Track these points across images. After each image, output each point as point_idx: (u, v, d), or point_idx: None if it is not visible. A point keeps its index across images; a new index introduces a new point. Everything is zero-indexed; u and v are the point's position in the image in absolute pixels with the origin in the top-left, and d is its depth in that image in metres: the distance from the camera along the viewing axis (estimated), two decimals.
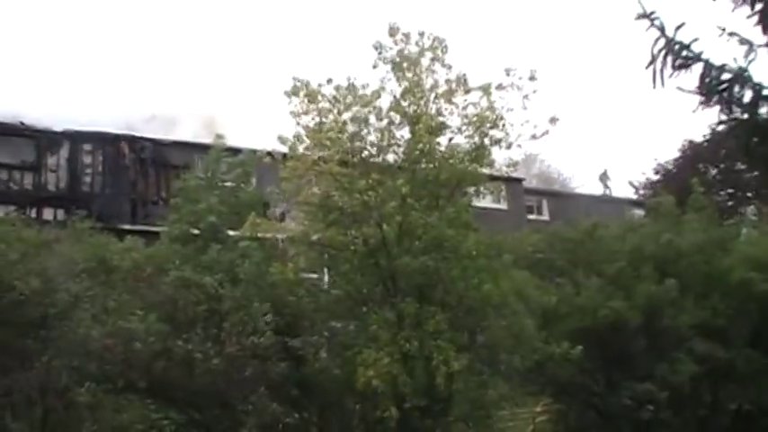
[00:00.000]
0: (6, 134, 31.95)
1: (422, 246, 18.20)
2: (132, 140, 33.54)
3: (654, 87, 6.26)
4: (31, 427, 15.88)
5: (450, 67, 18.81)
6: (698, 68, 6.30)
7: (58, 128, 32.67)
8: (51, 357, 15.79)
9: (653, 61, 6.30)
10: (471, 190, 20.16)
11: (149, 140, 33.91)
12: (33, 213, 29.61)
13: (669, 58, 6.25)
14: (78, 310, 16.70)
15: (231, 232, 20.88)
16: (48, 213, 30.38)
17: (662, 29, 6.35)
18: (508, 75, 18.50)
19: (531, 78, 18.43)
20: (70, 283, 16.79)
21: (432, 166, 18.79)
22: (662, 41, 6.32)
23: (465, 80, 18.76)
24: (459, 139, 19.10)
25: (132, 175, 33.23)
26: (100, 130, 33.24)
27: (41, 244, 17.39)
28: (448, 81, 18.76)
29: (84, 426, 16.05)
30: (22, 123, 32.09)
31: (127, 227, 28.40)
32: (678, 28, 6.36)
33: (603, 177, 51.93)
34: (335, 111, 18.55)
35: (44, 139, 32.42)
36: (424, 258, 17.90)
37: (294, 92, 18.44)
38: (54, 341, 16.18)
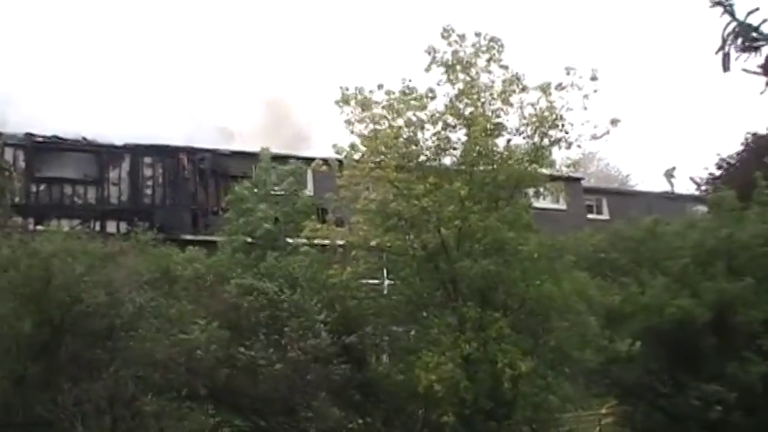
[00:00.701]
0: (70, 150, 32.61)
1: (482, 249, 18.07)
2: (191, 152, 33.97)
3: (724, 71, 6.29)
4: None
5: (506, 68, 18.69)
6: (766, 50, 6.33)
7: (118, 142, 33.24)
8: (118, 367, 16.06)
9: (723, 46, 6.33)
10: (530, 191, 19.99)
11: (208, 151, 34.31)
12: (97, 226, 30.17)
13: (738, 41, 6.27)
14: (143, 320, 16.94)
15: (289, 240, 21.04)
16: (111, 226, 30.89)
17: (732, 13, 6.40)
18: (568, 74, 18.32)
19: (593, 78, 18.23)
20: (135, 295, 17.05)
21: (490, 167, 18.66)
22: (732, 25, 6.37)
23: (522, 80, 18.62)
24: (518, 140, 18.98)
25: (192, 187, 33.65)
26: (159, 142, 33.74)
27: (106, 256, 17.66)
28: (504, 81, 18.64)
29: None
30: (85, 139, 32.71)
31: (188, 237, 28.76)
32: (750, 13, 6.40)
33: (668, 174, 50.98)
34: (389, 116, 18.55)
35: (106, 154, 33.01)
36: (485, 261, 17.77)
37: (345, 100, 18.48)
38: (120, 352, 16.44)
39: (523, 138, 18.86)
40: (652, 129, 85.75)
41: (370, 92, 18.43)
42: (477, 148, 18.33)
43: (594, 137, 18.56)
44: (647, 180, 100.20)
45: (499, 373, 17.09)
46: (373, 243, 19.16)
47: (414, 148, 18.64)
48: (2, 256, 16.73)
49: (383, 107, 18.40)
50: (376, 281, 20.99)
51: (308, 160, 23.21)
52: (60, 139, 32.04)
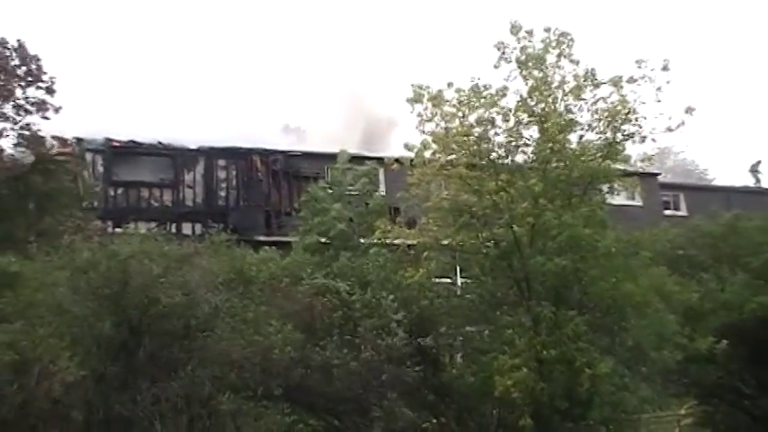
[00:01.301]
0: (146, 154, 33.27)
1: (556, 246, 17.84)
2: (264, 154, 34.35)
3: None
4: None
5: (577, 63, 18.45)
6: None
7: (193, 145, 33.78)
8: (195, 367, 16.26)
9: None
10: (605, 187, 19.68)
11: (281, 153, 34.65)
12: (173, 228, 30.70)
13: None
14: (219, 321, 17.14)
15: (362, 239, 21.10)
16: (186, 228, 31.42)
17: None
18: (639, 66, 18.00)
19: (664, 69, 17.87)
20: (210, 296, 17.24)
21: (563, 164, 18.42)
22: None
23: (594, 75, 18.36)
24: (590, 136, 18.70)
25: (265, 188, 34.01)
26: (233, 145, 34.19)
27: (182, 258, 17.91)
28: (576, 77, 18.40)
29: None
30: (160, 143, 33.34)
31: (262, 238, 29.08)
32: None
33: (754, 169, 49.67)
34: (460, 114, 18.46)
35: (181, 157, 33.59)
36: (559, 259, 17.54)
37: (416, 99, 18.46)
38: (197, 352, 16.65)
39: (596, 133, 18.60)
40: (731, 121, 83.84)
41: (441, 90, 18.38)
42: (550, 145, 18.12)
43: (669, 129, 18.19)
44: (726, 174, 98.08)
45: (578, 372, 16.86)
46: (445, 242, 19.07)
47: (485, 145, 18.52)
48: (82, 259, 17.06)
49: (454, 105, 18.33)
50: (448, 280, 20.91)
51: (382, 160, 23.26)
52: (137, 143, 32.71)
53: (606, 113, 18.24)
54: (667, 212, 41.43)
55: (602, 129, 18.45)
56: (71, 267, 17.02)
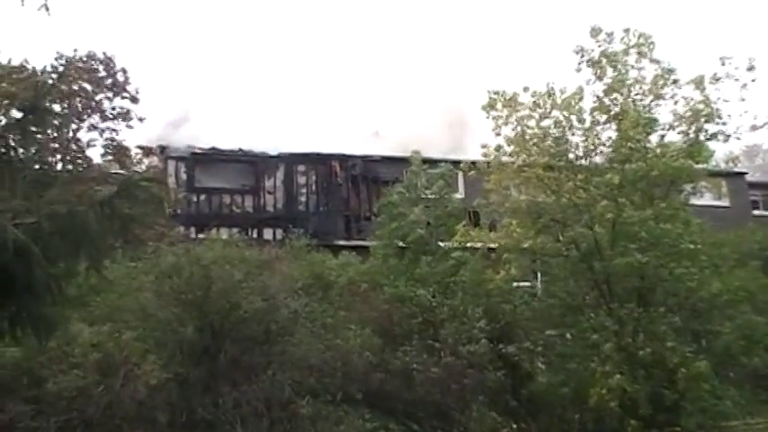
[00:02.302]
0: (227, 161, 33.75)
1: (638, 246, 17.49)
2: (343, 159, 34.51)
3: None
4: None
5: (657, 62, 18.11)
6: None
7: (273, 152, 34.14)
8: (275, 371, 16.41)
9: None
10: (687, 187, 19.23)
11: (359, 158, 34.75)
12: (254, 234, 31.07)
13: None
14: (298, 325, 17.26)
15: (441, 243, 21.02)
16: (267, 233, 31.73)
17: None
18: (723, 64, 17.57)
19: (750, 69, 17.42)
20: (290, 300, 17.39)
21: (642, 164, 18.08)
22: None
23: (674, 74, 18.00)
24: (672, 136, 18.32)
25: (344, 193, 34.15)
26: (312, 151, 34.45)
27: (262, 263, 18.12)
28: (656, 77, 18.06)
29: None
30: (241, 150, 33.75)
31: (341, 243, 29.22)
32: None
33: None
34: (536, 117, 18.32)
35: (261, 164, 33.96)
36: (642, 259, 17.18)
37: (492, 104, 18.40)
38: (277, 356, 16.80)
39: (678, 133, 18.21)
40: None
41: (516, 93, 18.29)
42: (629, 144, 17.81)
43: (755, 128, 17.71)
44: None
45: (672, 372, 16.45)
46: (525, 245, 18.90)
47: (562, 146, 18.32)
48: (166, 264, 17.39)
49: (529, 108, 18.21)
50: (528, 283, 20.69)
51: (459, 163, 23.16)
52: (218, 150, 33.21)
53: (688, 113, 17.84)
54: (756, 213, 40.19)
55: (684, 128, 18.06)
56: (155, 272, 17.37)
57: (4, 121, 9.39)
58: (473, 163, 19.99)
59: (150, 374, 15.30)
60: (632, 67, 18.24)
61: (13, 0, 6.78)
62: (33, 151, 8.33)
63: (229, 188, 33.20)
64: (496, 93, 18.53)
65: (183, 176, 32.21)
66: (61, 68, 27.64)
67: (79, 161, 28.32)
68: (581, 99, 18.22)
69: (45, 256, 7.23)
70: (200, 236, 27.10)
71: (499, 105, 18.47)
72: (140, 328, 16.52)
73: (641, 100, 18.14)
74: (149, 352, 15.83)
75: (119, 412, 15.12)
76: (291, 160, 34.20)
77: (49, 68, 27.65)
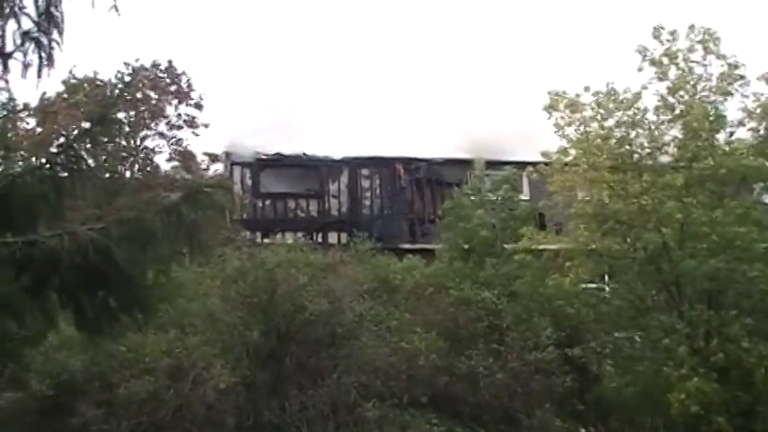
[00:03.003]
0: (291, 165, 34.01)
1: (708, 247, 17.12)
2: (407, 162, 34.47)
3: None
4: None
5: (723, 58, 17.72)
6: None
7: (336, 156, 34.28)
8: (341, 374, 16.47)
9: None
10: (759, 186, 18.79)
11: (423, 160, 34.68)
12: (319, 238, 31.23)
13: None
14: (363, 329, 17.30)
15: (506, 246, 20.88)
16: (332, 237, 31.86)
17: None
18: None
19: None
20: (355, 304, 17.43)
21: (710, 162, 17.71)
22: None
23: (741, 70, 17.62)
24: (741, 133, 17.93)
25: (408, 196, 34.12)
26: (376, 154, 34.50)
27: (327, 267, 18.22)
28: (722, 74, 17.69)
29: None
30: (305, 154, 33.98)
31: (406, 246, 29.16)
32: None
33: None
34: (599, 117, 18.10)
35: (325, 168, 34.14)
36: (713, 260, 16.81)
37: (553, 105, 18.23)
38: (343, 359, 16.86)
39: (747, 130, 17.81)
40: None
41: (578, 95, 18.08)
42: (698, 142, 17.48)
43: None
44: None
45: (750, 372, 16.07)
46: (591, 247, 18.66)
47: (626, 147, 18.05)
48: (232, 269, 17.59)
49: (592, 108, 17.99)
50: (595, 286, 20.43)
51: (524, 165, 22.97)
52: (283, 155, 33.47)
53: (758, 108, 17.43)
54: None
55: (754, 125, 17.66)
56: (222, 277, 17.58)
57: (75, 132, 9.59)
58: (536, 165, 19.83)
59: (218, 378, 15.49)
60: (698, 63, 17.90)
61: (79, 5, 6.88)
62: (102, 160, 8.51)
63: (294, 193, 33.43)
64: (558, 94, 18.34)
65: (249, 182, 32.55)
66: (128, 77, 28.15)
67: (146, 168, 28.84)
68: (640, 97, 17.92)
69: (115, 260, 7.37)
70: (266, 240, 27.35)
71: (561, 106, 18.28)
72: (207, 333, 16.73)
73: (708, 97, 17.77)
74: (216, 356, 16.02)
75: (188, 416, 15.36)
76: (355, 164, 34.30)
77: (114, 78, 28.20)
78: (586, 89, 18.17)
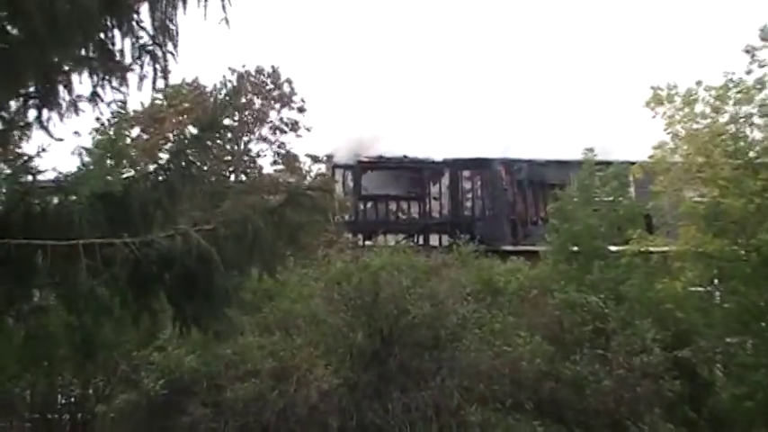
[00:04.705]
0: (393, 168, 34.16)
1: None
2: (508, 163, 34.21)
3: None
4: None
5: None
6: None
7: (438, 158, 34.26)
8: (444, 377, 16.39)
9: None
10: None
11: (524, 161, 34.36)
12: (420, 240, 31.27)
13: None
14: (467, 331, 17.18)
15: (613, 248, 20.46)
16: (433, 239, 31.88)
17: None
18: None
19: None
20: (458, 306, 17.32)
21: None
22: None
23: None
24: None
25: (510, 197, 33.85)
26: (477, 156, 34.34)
27: (430, 269, 18.16)
28: None
29: None
30: (406, 156, 34.08)
31: (508, 248, 28.92)
32: None
33: None
34: (711, 113, 17.49)
35: (427, 170, 34.17)
36: None
37: (657, 100, 17.69)
38: (446, 362, 16.78)
39: None
40: None
41: (690, 89, 17.52)
42: None
43: None
44: None
45: None
46: (701, 249, 18.08)
47: (741, 144, 17.40)
48: (335, 271, 17.72)
49: (705, 103, 17.40)
50: (704, 290, 19.80)
51: (631, 164, 22.46)
52: (384, 158, 33.65)
53: None
54: None
55: None
56: (325, 279, 17.72)
57: (184, 138, 9.85)
58: (641, 165, 19.33)
59: (322, 380, 15.63)
60: None
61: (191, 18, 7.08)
62: (211, 165, 8.71)
63: (395, 195, 33.58)
64: (665, 88, 17.80)
65: (350, 184, 32.85)
66: (233, 83, 28.77)
67: (251, 172, 29.40)
68: (761, 89, 17.23)
69: (222, 260, 7.54)
70: (368, 242, 27.52)
71: (665, 102, 17.75)
72: (311, 334, 16.89)
73: None
74: (320, 357, 16.16)
75: (292, 417, 15.53)
76: (456, 166, 34.23)
77: (219, 84, 28.85)
78: (698, 83, 17.59)
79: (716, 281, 20.03)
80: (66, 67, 7.29)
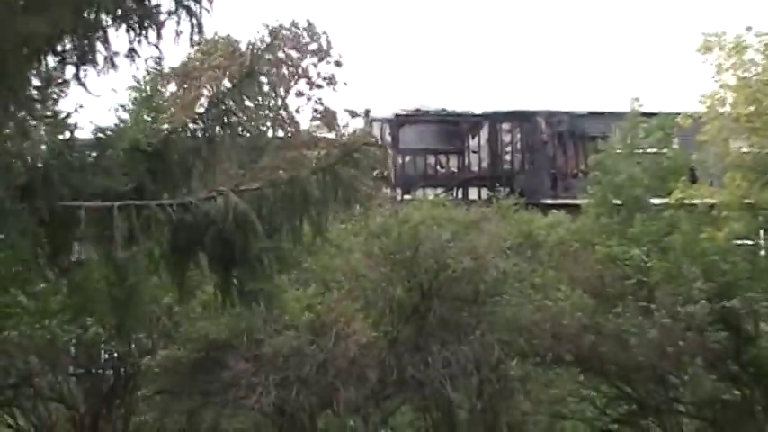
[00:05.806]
0: (431, 121, 33.91)
1: None
2: (548, 115, 33.80)
3: None
4: (468, 396, 16.63)
5: None
6: None
7: (477, 110, 33.94)
8: (484, 331, 16.36)
9: None
10: None
11: (565, 114, 33.93)
12: (459, 194, 31.09)
13: None
14: (507, 286, 17.08)
15: (656, 200, 20.12)
16: (472, 193, 31.71)
17: None
18: None
19: None
20: (498, 260, 17.17)
21: None
22: None
23: None
24: None
25: (550, 150, 33.52)
26: (517, 108, 33.96)
27: (470, 223, 17.99)
28: None
29: (516, 397, 16.47)
30: (445, 109, 33.81)
31: (548, 201, 28.66)
32: None
33: None
34: (762, 60, 16.97)
35: (465, 123, 33.89)
36: None
37: (707, 47, 17.18)
38: (486, 316, 16.74)
39: None
40: None
41: (740, 35, 16.97)
42: None
43: None
44: None
45: None
46: (748, 201, 17.69)
47: None
48: (376, 225, 17.63)
49: (755, 51, 16.87)
50: (750, 242, 19.43)
51: (670, 116, 21.98)
52: (422, 111, 33.40)
53: None
54: None
55: None
56: (365, 233, 17.64)
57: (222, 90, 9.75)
58: (690, 114, 18.87)
59: (360, 333, 15.62)
60: None
61: None
62: (249, 117, 8.57)
63: (434, 149, 33.39)
64: (713, 35, 17.27)
65: (388, 138, 32.68)
66: (268, 39, 28.54)
67: (288, 127, 29.28)
68: None
69: (269, 223, 7.44)
70: (406, 197, 27.39)
71: (716, 49, 17.24)
72: (350, 288, 16.87)
73: None
74: (358, 311, 16.15)
75: (331, 370, 15.57)
76: (496, 119, 33.94)
77: (254, 39, 28.63)
78: (748, 29, 17.03)
79: (761, 232, 19.64)
80: (104, 24, 7.20)
